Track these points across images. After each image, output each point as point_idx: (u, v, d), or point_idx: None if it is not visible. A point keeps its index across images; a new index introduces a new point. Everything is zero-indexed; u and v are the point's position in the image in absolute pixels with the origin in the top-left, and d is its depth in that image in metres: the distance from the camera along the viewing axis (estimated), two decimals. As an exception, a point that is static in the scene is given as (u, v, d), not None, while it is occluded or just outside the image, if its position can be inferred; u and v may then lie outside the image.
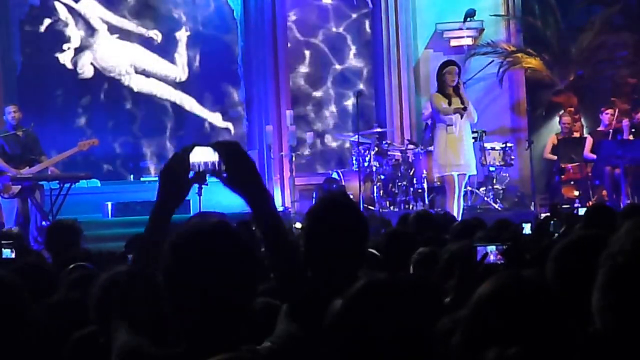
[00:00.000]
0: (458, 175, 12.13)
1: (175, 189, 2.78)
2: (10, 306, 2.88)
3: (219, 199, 11.88)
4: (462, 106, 12.03)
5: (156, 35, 15.44)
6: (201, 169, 2.77)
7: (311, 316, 3.04)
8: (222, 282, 2.41)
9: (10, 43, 14.65)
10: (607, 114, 14.36)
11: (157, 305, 2.66)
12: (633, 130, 13.95)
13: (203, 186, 11.08)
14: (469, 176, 12.56)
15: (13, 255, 5.77)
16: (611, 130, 14.07)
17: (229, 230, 2.48)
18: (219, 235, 2.46)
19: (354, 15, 16.02)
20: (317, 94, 15.92)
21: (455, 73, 12.24)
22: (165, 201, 2.77)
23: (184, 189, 2.80)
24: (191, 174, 2.79)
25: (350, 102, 15.71)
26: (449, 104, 12.05)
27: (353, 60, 16.03)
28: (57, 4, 15.07)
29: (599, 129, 14.60)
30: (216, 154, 2.78)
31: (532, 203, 14.26)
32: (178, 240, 2.45)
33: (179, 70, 15.61)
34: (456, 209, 11.93)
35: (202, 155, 2.76)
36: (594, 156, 14.01)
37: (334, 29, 15.95)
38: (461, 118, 12.09)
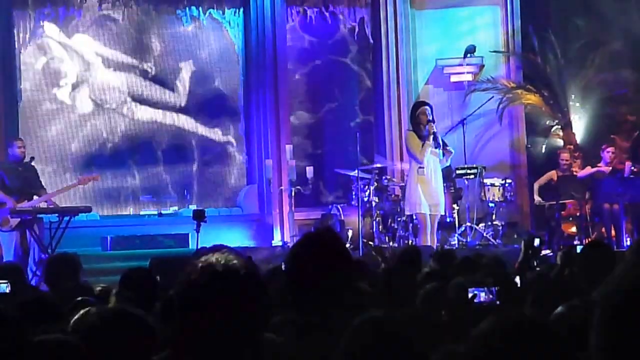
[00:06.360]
0: (430, 214, 12.34)
1: None
2: (9, 340, 2.87)
3: (218, 234, 11.93)
4: (436, 149, 12.36)
5: (150, 68, 15.48)
6: None
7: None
8: (232, 321, 2.43)
9: (14, 76, 14.70)
10: (608, 151, 14.32)
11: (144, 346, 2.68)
12: (634, 169, 13.87)
13: (202, 223, 11.20)
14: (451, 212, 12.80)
15: (8, 290, 5.67)
16: (610, 169, 14.04)
17: (240, 270, 2.49)
18: (231, 275, 2.47)
19: (355, 51, 16.06)
20: (317, 128, 15.94)
21: (428, 113, 12.46)
22: None
23: None
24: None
25: (350, 137, 15.70)
26: (422, 144, 12.24)
27: (354, 95, 16.06)
28: (51, 42, 15.12)
29: (599, 165, 14.57)
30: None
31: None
32: (189, 282, 2.47)
33: (178, 99, 15.62)
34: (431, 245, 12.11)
35: None
36: (589, 171, 14.03)
37: (334, 64, 15.99)
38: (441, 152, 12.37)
